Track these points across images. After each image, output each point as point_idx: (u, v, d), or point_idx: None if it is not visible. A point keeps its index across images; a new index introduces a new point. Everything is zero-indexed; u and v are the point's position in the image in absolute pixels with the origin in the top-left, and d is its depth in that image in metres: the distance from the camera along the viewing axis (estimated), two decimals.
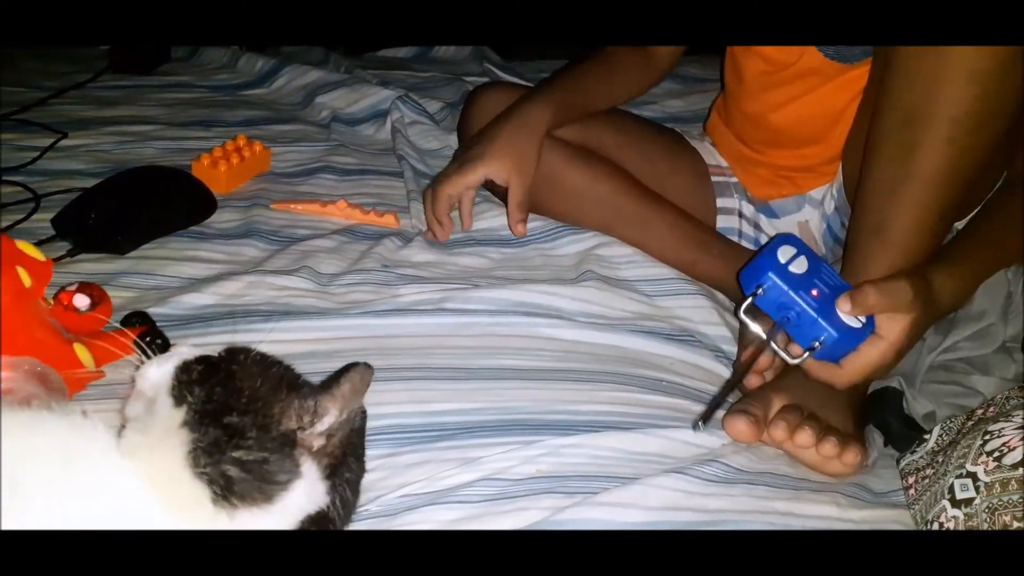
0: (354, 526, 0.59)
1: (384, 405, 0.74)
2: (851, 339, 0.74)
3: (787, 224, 1.06)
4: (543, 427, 0.74)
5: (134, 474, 0.49)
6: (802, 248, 0.77)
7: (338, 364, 0.59)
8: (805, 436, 0.71)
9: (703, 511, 0.66)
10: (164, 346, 0.76)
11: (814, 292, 0.74)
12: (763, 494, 0.69)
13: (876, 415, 0.78)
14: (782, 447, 0.74)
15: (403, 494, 0.65)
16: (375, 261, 0.97)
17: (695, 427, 0.73)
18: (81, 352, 0.72)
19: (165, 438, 0.50)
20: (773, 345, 0.76)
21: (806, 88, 0.98)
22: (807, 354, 0.75)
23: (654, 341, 0.87)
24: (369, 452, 0.61)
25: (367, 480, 0.61)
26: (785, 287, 0.74)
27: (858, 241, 0.79)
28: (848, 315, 0.73)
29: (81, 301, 0.77)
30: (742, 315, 0.77)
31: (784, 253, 0.76)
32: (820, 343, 0.74)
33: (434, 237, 1.02)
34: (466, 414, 0.75)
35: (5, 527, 0.45)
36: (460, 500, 0.65)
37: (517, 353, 0.84)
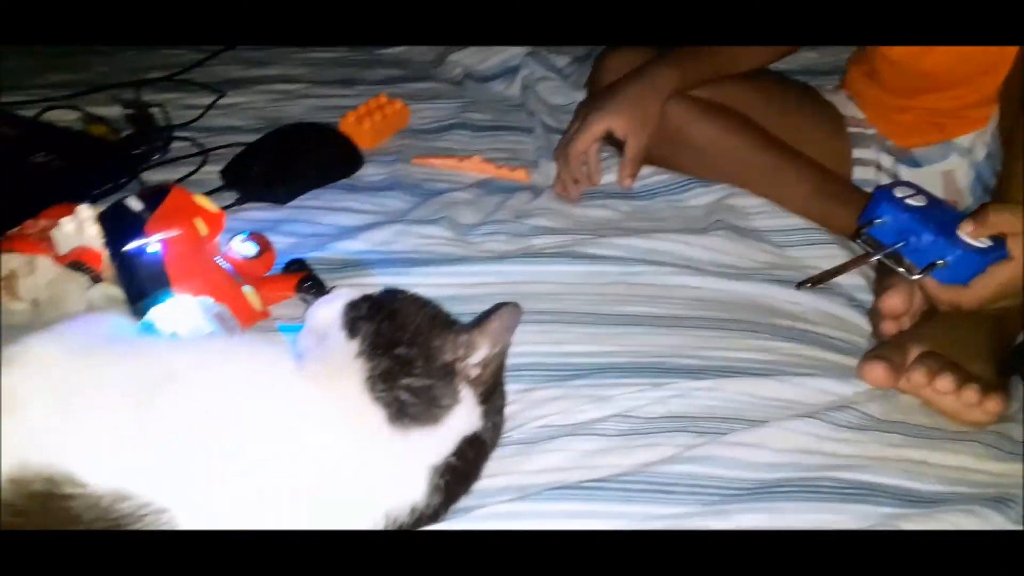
0: (498, 452, 0.64)
1: (520, 344, 0.77)
2: (977, 259, 0.73)
3: (930, 174, 1.03)
4: (673, 371, 0.76)
5: (317, 398, 0.56)
6: (920, 189, 0.78)
7: (476, 307, 0.64)
8: (946, 382, 0.71)
9: (833, 455, 0.68)
10: (321, 290, 0.83)
11: (933, 220, 0.75)
12: (897, 442, 0.70)
13: (1022, 366, 0.77)
14: (920, 393, 0.74)
15: (541, 425, 0.70)
16: (509, 213, 1.01)
17: (799, 286, 0.77)
18: (250, 294, 0.81)
19: (344, 367, 0.56)
20: (883, 259, 0.77)
21: None
22: (926, 270, 0.75)
23: (787, 289, 0.87)
24: (508, 387, 0.66)
25: (507, 411, 0.66)
26: (902, 213, 0.76)
27: (1010, 188, 0.77)
28: (972, 237, 0.73)
29: (250, 249, 0.86)
30: (858, 242, 0.79)
31: (901, 190, 0.78)
32: (944, 262, 0.74)
33: (568, 195, 1.04)
34: (598, 356, 0.79)
35: (209, 443, 0.52)
36: (595, 433, 0.69)
37: (647, 300, 0.87)
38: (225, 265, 0.80)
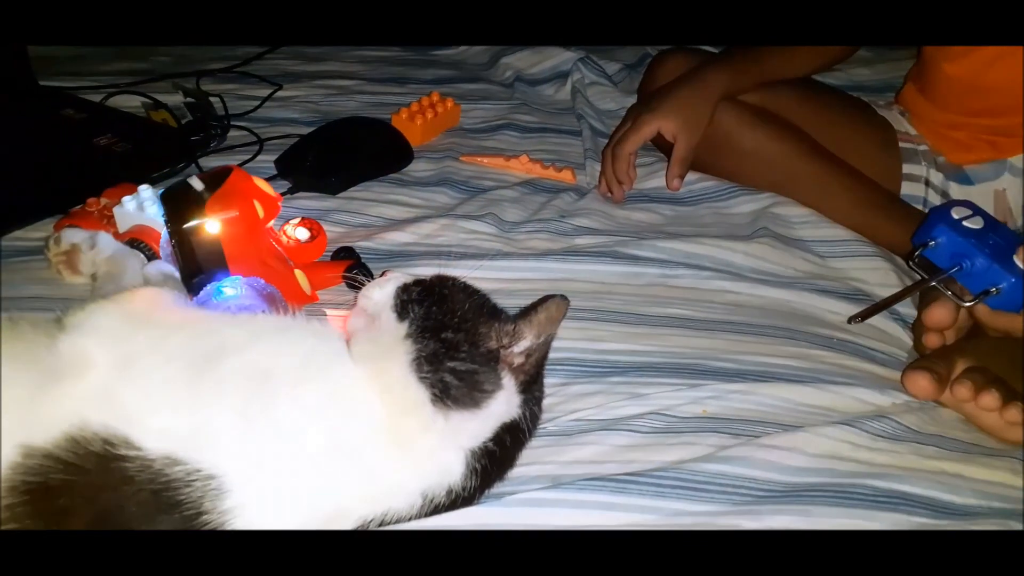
0: (534, 442, 0.65)
1: (559, 340, 0.78)
2: None
3: (982, 192, 1.02)
4: (710, 373, 0.77)
5: (363, 376, 0.57)
6: (978, 210, 0.77)
7: (518, 302, 0.65)
8: (990, 398, 0.71)
9: (867, 464, 0.68)
10: (368, 278, 0.85)
11: (989, 244, 0.74)
12: (932, 454, 0.69)
13: None
14: (963, 408, 0.73)
15: (576, 418, 0.71)
16: (553, 212, 1.03)
17: (851, 321, 0.77)
18: (300, 278, 0.83)
19: (392, 348, 0.58)
20: (937, 284, 0.76)
21: None
22: (979, 297, 0.74)
23: (828, 299, 0.88)
24: (546, 380, 0.67)
25: (544, 403, 0.67)
26: (957, 236, 0.74)
27: None
28: None
29: (302, 234, 0.89)
30: (911, 265, 0.78)
31: (958, 211, 0.76)
32: (997, 290, 0.73)
33: (612, 195, 1.06)
34: (635, 355, 0.80)
35: (258, 415, 0.54)
36: (630, 429, 0.70)
37: (685, 303, 0.87)
38: (278, 248, 0.83)
